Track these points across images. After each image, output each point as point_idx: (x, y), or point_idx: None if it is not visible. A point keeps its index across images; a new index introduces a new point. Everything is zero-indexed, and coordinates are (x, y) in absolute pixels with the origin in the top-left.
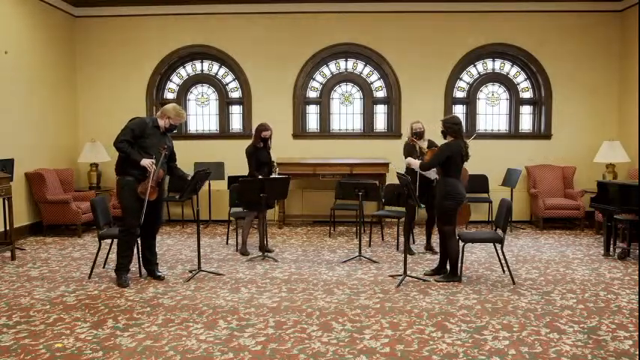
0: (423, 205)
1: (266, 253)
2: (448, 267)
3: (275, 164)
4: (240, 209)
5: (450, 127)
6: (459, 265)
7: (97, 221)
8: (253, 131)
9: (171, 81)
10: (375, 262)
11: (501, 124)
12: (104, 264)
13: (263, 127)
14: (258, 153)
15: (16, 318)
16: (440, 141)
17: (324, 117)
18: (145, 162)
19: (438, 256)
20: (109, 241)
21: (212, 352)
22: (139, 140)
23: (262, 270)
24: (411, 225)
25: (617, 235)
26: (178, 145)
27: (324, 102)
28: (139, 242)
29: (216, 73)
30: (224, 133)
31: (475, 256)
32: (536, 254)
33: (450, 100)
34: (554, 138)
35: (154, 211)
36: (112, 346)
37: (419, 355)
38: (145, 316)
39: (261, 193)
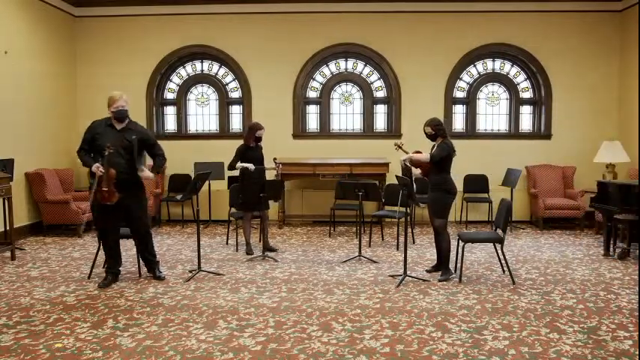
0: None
1: (266, 253)
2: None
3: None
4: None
5: (440, 128)
6: (460, 265)
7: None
8: (246, 130)
9: (171, 81)
10: (375, 262)
11: (501, 124)
12: (104, 264)
13: (259, 127)
14: (250, 152)
15: (16, 318)
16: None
17: (324, 117)
18: (93, 168)
19: None
20: None
21: (212, 352)
22: (92, 144)
23: (262, 270)
24: None
25: (617, 235)
26: (178, 145)
27: (324, 102)
28: (135, 244)
29: (216, 73)
30: (224, 133)
31: (475, 256)
32: (536, 254)
33: (450, 100)
34: (554, 138)
35: (129, 215)
36: (112, 346)
37: (419, 355)
38: (145, 316)
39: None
